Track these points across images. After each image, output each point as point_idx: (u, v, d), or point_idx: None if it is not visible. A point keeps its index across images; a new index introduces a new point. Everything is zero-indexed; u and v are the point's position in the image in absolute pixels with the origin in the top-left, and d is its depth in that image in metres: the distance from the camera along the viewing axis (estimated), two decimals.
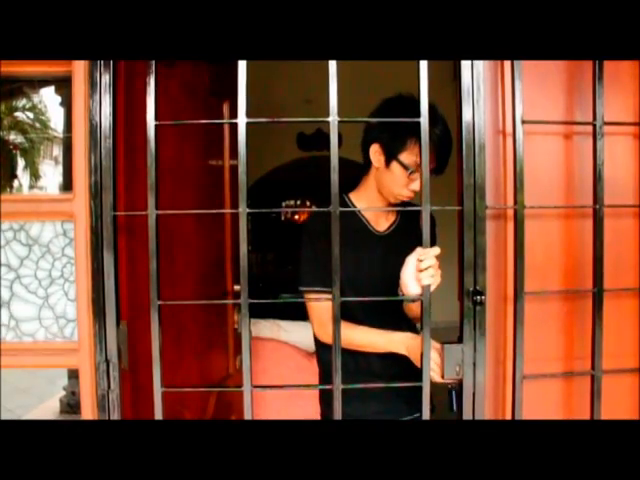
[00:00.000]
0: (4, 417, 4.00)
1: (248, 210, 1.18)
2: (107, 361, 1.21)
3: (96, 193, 1.20)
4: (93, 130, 1.19)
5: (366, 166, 1.67)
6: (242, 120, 1.16)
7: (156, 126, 1.18)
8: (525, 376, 1.29)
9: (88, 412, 1.20)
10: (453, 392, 1.33)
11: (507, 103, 1.32)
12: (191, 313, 1.70)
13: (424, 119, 1.17)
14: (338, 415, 1.18)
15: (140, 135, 1.21)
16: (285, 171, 6.26)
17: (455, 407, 1.34)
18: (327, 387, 1.20)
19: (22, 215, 1.24)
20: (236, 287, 1.98)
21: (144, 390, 1.25)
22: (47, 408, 4.23)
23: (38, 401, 4.41)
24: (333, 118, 1.16)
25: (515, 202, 1.26)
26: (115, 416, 1.20)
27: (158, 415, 1.19)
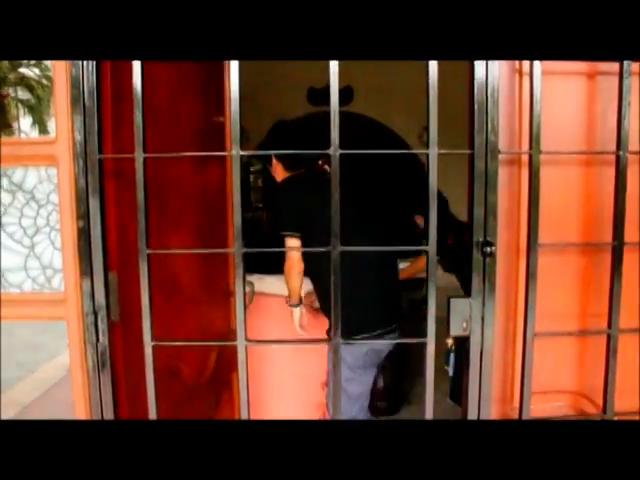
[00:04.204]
0: (16, 371, 4.04)
1: (241, 152, 1.10)
2: (95, 312, 1.15)
3: (79, 135, 1.12)
4: (75, 65, 1.11)
5: None
6: (235, 63, 1.08)
7: (142, 63, 1.09)
8: (536, 333, 1.21)
9: (77, 365, 1.16)
10: (452, 354, 1.26)
11: None
12: (189, 266, 1.64)
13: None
14: (338, 381, 1.12)
15: (129, 76, 1.12)
16: (297, 126, 6.10)
17: (452, 371, 1.28)
18: (323, 340, 1.15)
19: (1, 159, 1.17)
20: None
21: (137, 343, 1.20)
22: (58, 364, 4.26)
23: (49, 356, 4.44)
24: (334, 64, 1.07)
25: (530, 147, 1.16)
26: (105, 369, 1.15)
27: (149, 369, 1.15)
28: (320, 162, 2.30)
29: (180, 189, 1.66)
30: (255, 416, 1.18)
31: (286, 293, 2.17)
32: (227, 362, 1.81)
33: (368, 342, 1.94)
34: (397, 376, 2.95)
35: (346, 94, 5.35)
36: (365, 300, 1.93)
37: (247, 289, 1.97)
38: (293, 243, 2.00)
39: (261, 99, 4.30)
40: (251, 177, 5.75)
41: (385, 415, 2.96)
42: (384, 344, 2.02)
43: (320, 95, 5.90)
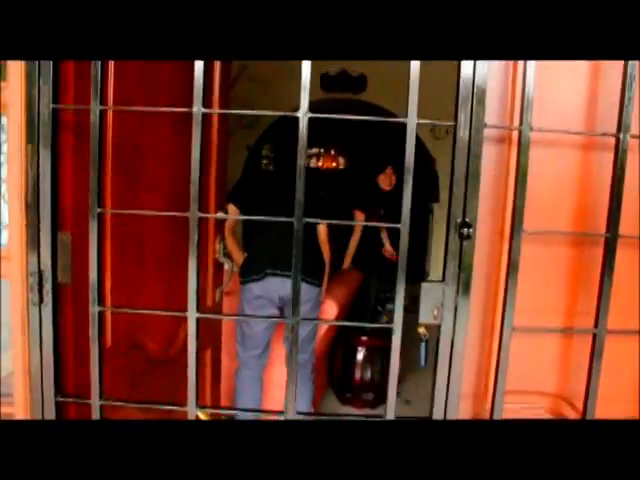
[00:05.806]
0: None
1: (203, 110, 1.02)
2: (40, 272, 1.08)
3: (33, 82, 1.04)
4: None
5: None
6: None
7: None
8: (515, 328, 1.12)
9: (17, 325, 1.08)
10: (423, 344, 1.17)
11: None
12: (160, 235, 1.56)
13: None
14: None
15: None
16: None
17: (424, 361, 1.19)
18: (283, 319, 1.07)
19: None
20: (220, 213, 1.83)
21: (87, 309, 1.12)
22: None
23: None
24: None
25: (521, 123, 1.06)
26: (46, 331, 1.08)
27: (94, 335, 1.07)
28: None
29: (159, 155, 1.58)
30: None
31: None
32: (200, 337, 1.73)
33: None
34: (384, 368, 2.87)
35: (360, 82, 5.26)
36: (261, 248, 2.21)
37: (226, 266, 1.89)
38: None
39: (274, 82, 4.25)
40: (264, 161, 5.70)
41: (370, 407, 2.90)
42: (275, 290, 2.07)
43: (333, 81, 5.80)
